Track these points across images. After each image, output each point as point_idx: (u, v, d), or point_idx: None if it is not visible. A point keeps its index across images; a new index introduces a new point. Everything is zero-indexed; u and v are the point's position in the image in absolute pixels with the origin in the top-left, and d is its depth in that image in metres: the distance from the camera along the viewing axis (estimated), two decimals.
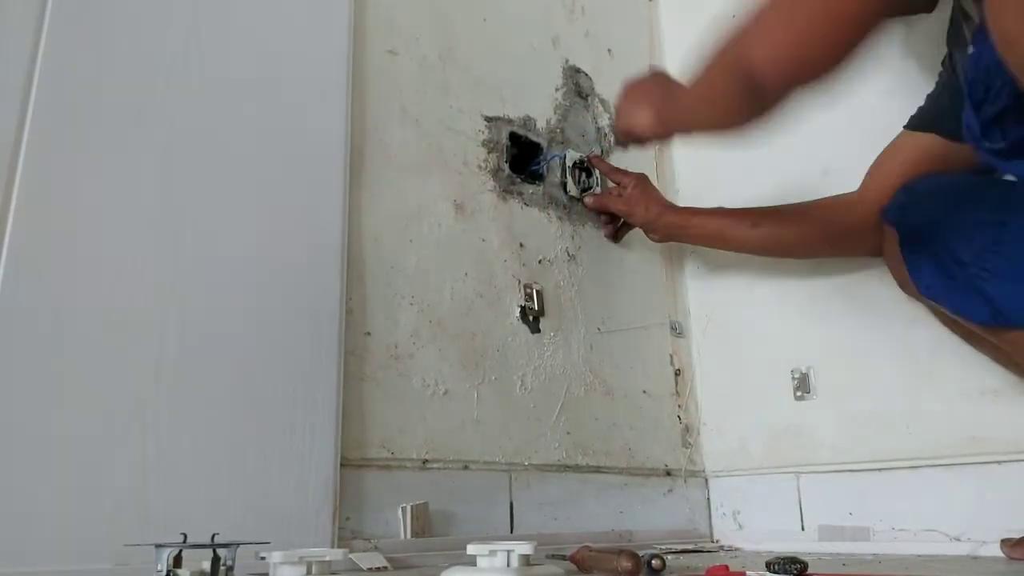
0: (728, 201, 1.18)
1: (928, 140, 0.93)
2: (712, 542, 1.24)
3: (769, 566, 0.69)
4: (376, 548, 0.85)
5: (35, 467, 0.66)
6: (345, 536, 0.85)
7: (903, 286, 0.96)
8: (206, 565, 0.59)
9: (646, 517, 1.17)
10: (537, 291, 1.14)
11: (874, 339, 1.13)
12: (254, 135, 0.87)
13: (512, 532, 1.01)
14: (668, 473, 1.23)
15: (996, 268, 0.76)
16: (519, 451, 1.05)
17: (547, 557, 0.84)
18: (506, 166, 1.16)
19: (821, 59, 0.65)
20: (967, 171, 0.87)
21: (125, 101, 0.78)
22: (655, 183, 1.39)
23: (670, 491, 1.23)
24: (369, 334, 0.94)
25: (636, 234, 1.32)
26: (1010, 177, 0.77)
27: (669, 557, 0.81)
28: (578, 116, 1.30)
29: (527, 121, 1.21)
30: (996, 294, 0.77)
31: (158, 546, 0.58)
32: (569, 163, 1.24)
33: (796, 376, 1.20)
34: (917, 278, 0.88)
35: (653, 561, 0.74)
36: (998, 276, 0.76)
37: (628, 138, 1.04)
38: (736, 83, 0.73)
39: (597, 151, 1.30)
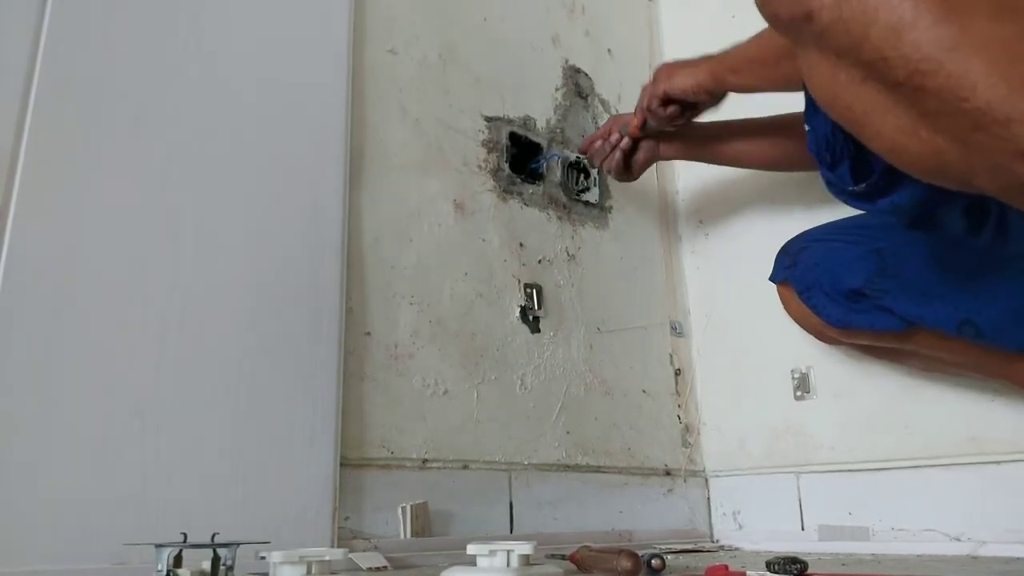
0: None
1: None
2: (712, 542, 1.24)
3: (769, 566, 0.69)
4: (376, 548, 0.85)
5: (35, 467, 0.66)
6: (345, 536, 0.85)
7: (820, 335, 1.02)
8: (206, 565, 0.59)
9: (646, 517, 1.17)
10: (537, 291, 1.14)
11: None
12: (254, 135, 0.87)
13: (512, 532, 1.01)
14: (668, 473, 1.23)
15: (887, 287, 0.88)
16: (519, 451, 1.05)
17: (547, 557, 0.84)
18: (506, 166, 1.16)
19: None
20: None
21: (125, 101, 0.78)
22: (655, 183, 1.39)
23: (670, 491, 1.23)
24: (369, 334, 0.94)
25: (634, 234, 1.32)
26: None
27: (669, 557, 0.81)
28: (578, 116, 1.30)
29: (527, 121, 1.21)
30: (896, 307, 0.88)
31: (158, 546, 0.58)
32: (565, 164, 1.24)
33: (796, 376, 1.20)
34: (827, 316, 0.95)
35: (653, 561, 0.74)
36: (891, 293, 0.88)
37: (665, 99, 1.02)
38: None
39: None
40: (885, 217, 0.93)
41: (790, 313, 1.03)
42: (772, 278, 1.03)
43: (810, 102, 0.66)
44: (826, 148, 0.67)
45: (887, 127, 0.54)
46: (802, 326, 1.02)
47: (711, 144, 1.13)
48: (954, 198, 0.65)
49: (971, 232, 0.72)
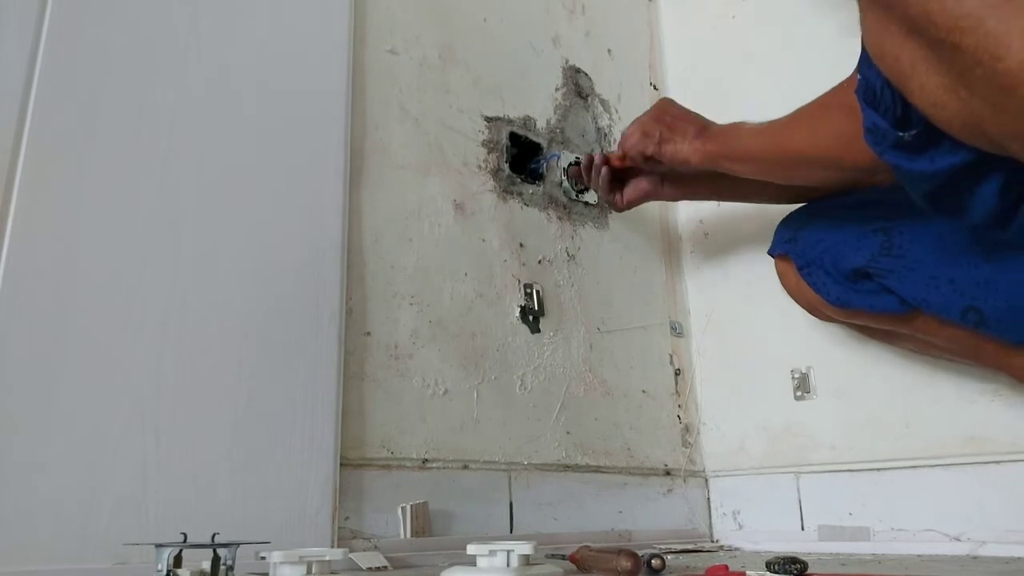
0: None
1: None
2: (712, 542, 1.24)
3: (769, 566, 0.69)
4: (376, 548, 0.85)
5: (35, 466, 0.66)
6: (345, 536, 0.85)
7: (815, 312, 1.01)
8: (206, 565, 0.59)
9: (646, 517, 1.17)
10: (537, 291, 1.14)
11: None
12: (254, 135, 0.87)
13: (512, 532, 1.01)
14: (668, 473, 1.23)
15: (892, 267, 0.86)
16: (519, 451, 1.05)
17: (547, 557, 0.84)
18: (506, 166, 1.16)
19: None
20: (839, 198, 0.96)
21: (125, 101, 0.78)
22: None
23: (670, 491, 1.23)
24: (369, 334, 0.94)
25: (634, 234, 1.32)
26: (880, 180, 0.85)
27: (669, 557, 0.81)
28: (578, 116, 1.30)
29: (527, 121, 1.21)
30: (899, 288, 0.86)
31: (158, 546, 0.58)
32: (564, 164, 1.24)
33: (796, 376, 1.20)
34: (826, 294, 0.94)
35: (653, 561, 0.74)
36: (895, 273, 0.86)
37: (650, 162, 1.03)
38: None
39: (597, 151, 1.30)
40: (895, 194, 0.92)
41: (786, 287, 1.02)
42: (771, 251, 1.01)
43: (865, 52, 0.65)
44: (875, 100, 0.65)
45: (930, 82, 0.54)
46: (797, 301, 1.01)
47: (715, 186, 1.09)
48: (991, 174, 0.63)
49: (999, 223, 0.68)
